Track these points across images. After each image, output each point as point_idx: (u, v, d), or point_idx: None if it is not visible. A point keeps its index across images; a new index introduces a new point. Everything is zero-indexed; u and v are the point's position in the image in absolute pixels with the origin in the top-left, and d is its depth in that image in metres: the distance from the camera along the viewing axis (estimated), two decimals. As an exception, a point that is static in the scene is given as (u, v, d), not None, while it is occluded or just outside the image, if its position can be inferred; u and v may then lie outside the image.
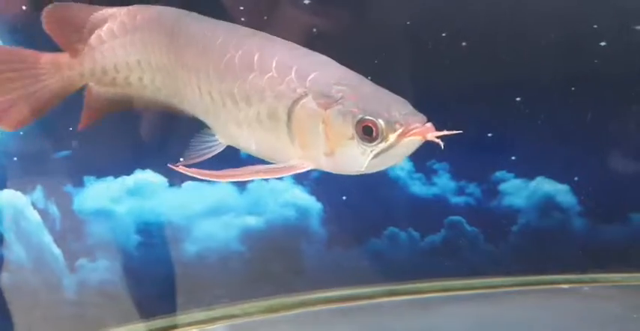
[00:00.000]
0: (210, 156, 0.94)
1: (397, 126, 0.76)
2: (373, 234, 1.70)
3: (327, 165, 0.83)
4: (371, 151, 0.78)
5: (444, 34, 1.54)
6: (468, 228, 1.72)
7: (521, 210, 1.73)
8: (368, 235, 1.70)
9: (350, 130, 0.78)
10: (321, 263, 1.70)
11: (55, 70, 0.98)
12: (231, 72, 0.88)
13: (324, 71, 0.83)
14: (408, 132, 0.75)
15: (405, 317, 1.67)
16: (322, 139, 0.80)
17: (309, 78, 0.82)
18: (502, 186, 1.71)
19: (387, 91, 0.81)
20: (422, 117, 0.77)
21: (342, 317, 1.68)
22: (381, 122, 0.76)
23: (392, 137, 0.76)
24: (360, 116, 0.77)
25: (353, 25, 1.52)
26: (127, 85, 0.98)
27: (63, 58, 0.98)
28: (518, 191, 1.72)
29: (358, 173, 0.81)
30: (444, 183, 1.69)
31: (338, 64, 0.85)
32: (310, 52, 0.88)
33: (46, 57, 0.97)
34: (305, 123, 0.82)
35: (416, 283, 1.73)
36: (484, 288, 1.74)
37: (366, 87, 0.82)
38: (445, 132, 0.75)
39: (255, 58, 0.86)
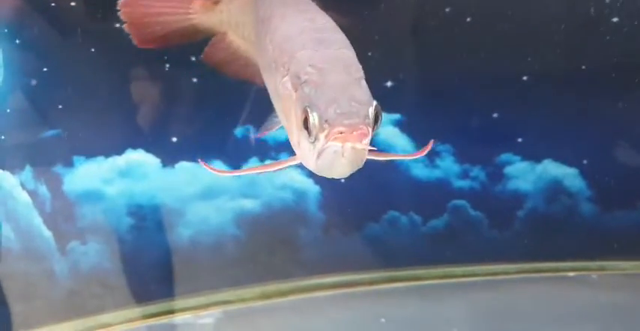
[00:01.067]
0: (273, 130, 0.97)
1: (325, 125, 0.64)
2: (373, 218, 1.65)
3: (299, 158, 0.74)
4: (313, 149, 0.66)
5: (447, 9, 1.48)
6: (472, 212, 1.67)
7: (527, 195, 1.67)
8: (367, 219, 1.65)
9: (300, 120, 0.68)
10: (319, 248, 1.66)
11: (202, 13, 1.07)
12: (263, 43, 0.85)
13: (314, 49, 0.74)
14: (331, 135, 0.63)
15: (404, 303, 1.62)
16: (294, 126, 0.71)
17: (297, 54, 0.74)
18: (507, 169, 1.65)
19: (357, 84, 0.69)
20: (357, 121, 0.63)
21: (340, 303, 1.64)
22: (314, 116, 0.65)
23: (321, 137, 0.65)
24: (305, 105, 0.67)
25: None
26: (251, 44, 1.03)
27: (211, 3, 1.07)
28: (525, 174, 1.65)
29: (320, 174, 0.70)
30: (447, 165, 1.63)
31: (341, 45, 0.75)
32: (326, 27, 0.80)
33: (198, 1, 1.07)
34: (284, 105, 0.75)
35: (417, 269, 1.68)
36: (487, 275, 1.69)
37: (335, 74, 0.69)
38: (369, 148, 0.64)
39: (275, 28, 0.82)
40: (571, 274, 1.70)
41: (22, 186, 1.45)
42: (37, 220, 1.47)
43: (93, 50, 1.42)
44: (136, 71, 1.47)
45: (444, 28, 1.50)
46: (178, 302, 1.56)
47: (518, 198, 1.67)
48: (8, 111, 1.40)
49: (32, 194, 1.46)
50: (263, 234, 1.63)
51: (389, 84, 1.51)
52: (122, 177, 1.51)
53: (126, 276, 1.53)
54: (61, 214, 1.49)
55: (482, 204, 1.66)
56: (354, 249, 1.67)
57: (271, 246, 1.65)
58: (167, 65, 1.46)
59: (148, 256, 1.55)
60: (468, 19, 1.49)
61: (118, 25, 1.39)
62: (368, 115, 0.65)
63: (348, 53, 0.75)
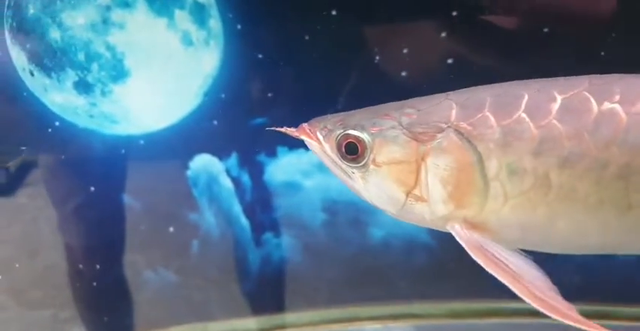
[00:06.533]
0: None
1: None
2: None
3: None
4: None
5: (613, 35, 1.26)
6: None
7: None
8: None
9: None
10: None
11: None
12: None
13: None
14: None
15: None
16: None
17: None
18: None
19: (379, 114, 0.75)
20: (309, 123, 0.79)
21: (538, 333, 1.46)
22: None
23: None
24: None
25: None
26: None
27: None
28: None
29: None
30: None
31: (453, 97, 0.73)
32: (485, 91, 0.75)
33: None
34: None
35: (633, 307, 1.45)
36: None
37: (390, 104, 0.80)
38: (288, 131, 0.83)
39: None
40: None
41: (227, 172, 1.45)
42: (237, 208, 1.46)
43: (307, 38, 1.39)
44: (346, 63, 1.41)
45: None
46: (365, 309, 1.47)
47: None
48: (222, 96, 1.41)
49: (235, 181, 1.46)
50: (456, 247, 1.50)
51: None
52: (320, 170, 1.46)
53: (315, 274, 1.47)
54: (259, 204, 1.48)
55: None
56: (558, 277, 1.48)
57: (463, 260, 1.51)
58: (377, 57, 1.39)
59: (338, 254, 1.48)
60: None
61: (334, 13, 1.37)
62: (331, 130, 0.75)
63: (438, 102, 0.73)
